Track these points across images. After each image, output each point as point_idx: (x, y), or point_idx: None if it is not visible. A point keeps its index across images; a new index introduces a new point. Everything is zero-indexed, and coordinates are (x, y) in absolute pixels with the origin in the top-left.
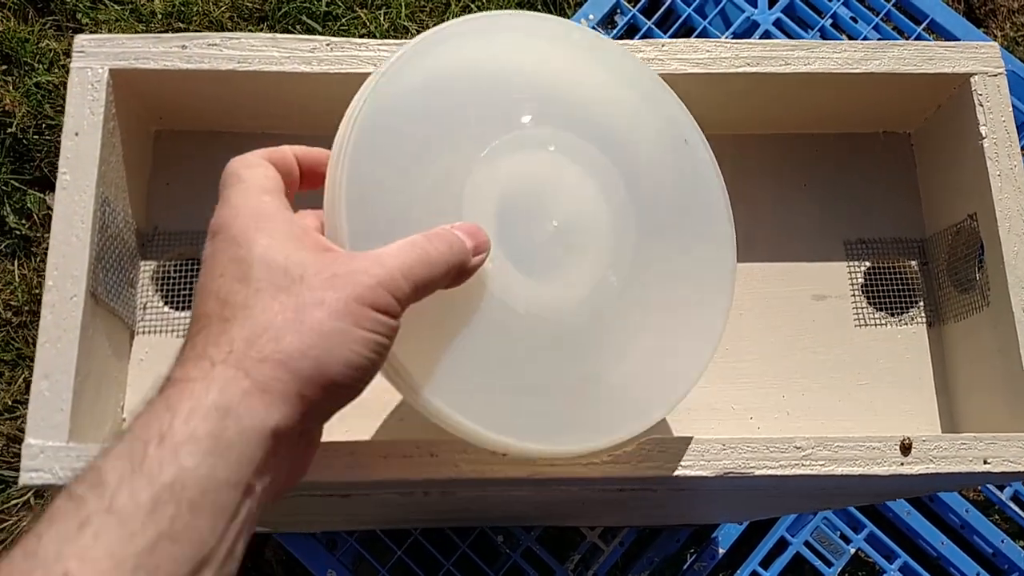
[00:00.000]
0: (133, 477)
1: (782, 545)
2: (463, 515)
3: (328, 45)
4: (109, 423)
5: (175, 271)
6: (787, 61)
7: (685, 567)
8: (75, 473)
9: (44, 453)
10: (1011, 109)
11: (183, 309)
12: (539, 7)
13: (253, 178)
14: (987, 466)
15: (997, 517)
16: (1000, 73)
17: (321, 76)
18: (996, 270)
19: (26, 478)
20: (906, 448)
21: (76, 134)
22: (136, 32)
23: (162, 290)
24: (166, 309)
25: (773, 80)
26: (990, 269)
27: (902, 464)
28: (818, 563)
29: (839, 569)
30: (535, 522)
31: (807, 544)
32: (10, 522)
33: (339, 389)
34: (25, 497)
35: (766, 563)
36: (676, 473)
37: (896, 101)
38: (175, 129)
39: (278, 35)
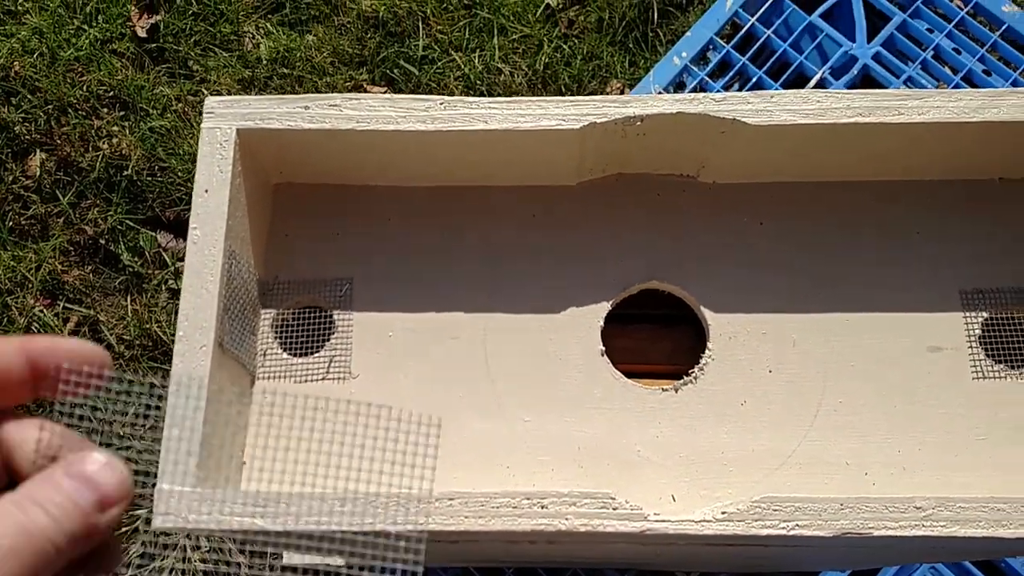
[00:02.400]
0: None
1: None
2: (562, 559)
3: (442, 104)
4: (233, 465)
5: (293, 319)
6: (900, 111)
7: None
8: (203, 518)
9: (174, 498)
10: None
11: (301, 355)
12: (631, 46)
13: None
14: None
15: None
16: None
17: (435, 133)
18: None
19: (159, 522)
20: None
21: (206, 191)
22: (243, 77)
23: (280, 337)
24: (285, 356)
25: (885, 129)
26: None
27: None
28: None
29: None
30: (629, 566)
31: None
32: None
33: None
34: (135, 524)
35: None
36: (791, 532)
37: (1013, 148)
38: (294, 182)
39: (394, 96)
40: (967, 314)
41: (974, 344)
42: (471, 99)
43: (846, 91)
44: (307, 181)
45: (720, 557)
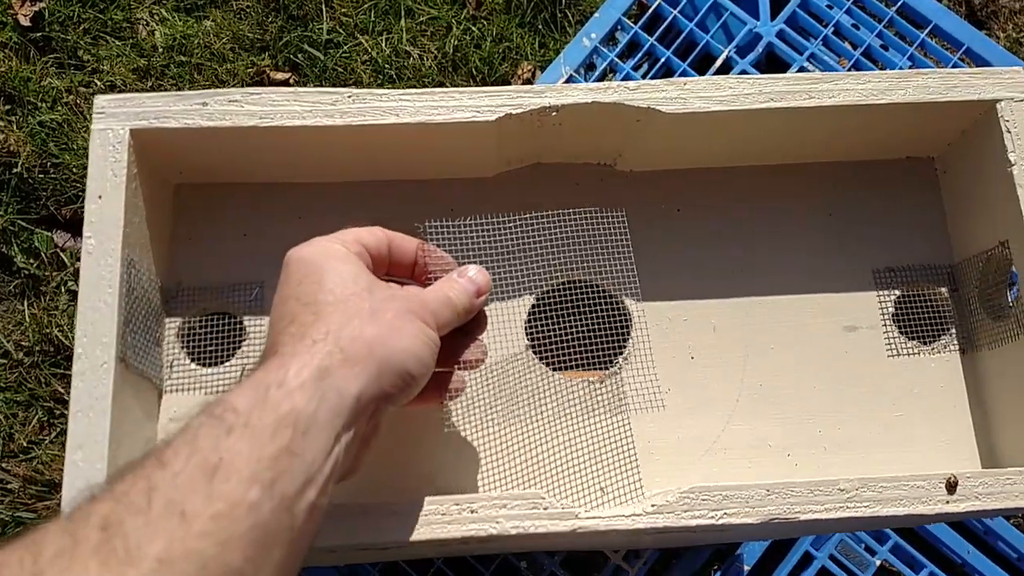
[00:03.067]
0: (260, 407)
1: (807, 560)
2: (496, 548)
3: (350, 97)
4: None
5: (201, 327)
6: (811, 94)
7: None
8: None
9: None
10: None
11: (210, 365)
12: (540, 27)
13: (333, 236)
14: None
15: (1022, 520)
16: None
17: (343, 128)
18: None
19: None
20: (952, 486)
21: (99, 197)
22: (138, 67)
23: (187, 347)
24: (193, 366)
25: (796, 114)
26: None
27: (947, 503)
28: None
29: None
30: (559, 547)
31: (832, 558)
32: None
33: (403, 375)
34: None
35: None
36: (720, 521)
37: (920, 128)
38: (196, 182)
39: (299, 89)
40: (880, 293)
41: (888, 322)
42: (380, 91)
43: (758, 76)
44: (210, 181)
45: (647, 539)
